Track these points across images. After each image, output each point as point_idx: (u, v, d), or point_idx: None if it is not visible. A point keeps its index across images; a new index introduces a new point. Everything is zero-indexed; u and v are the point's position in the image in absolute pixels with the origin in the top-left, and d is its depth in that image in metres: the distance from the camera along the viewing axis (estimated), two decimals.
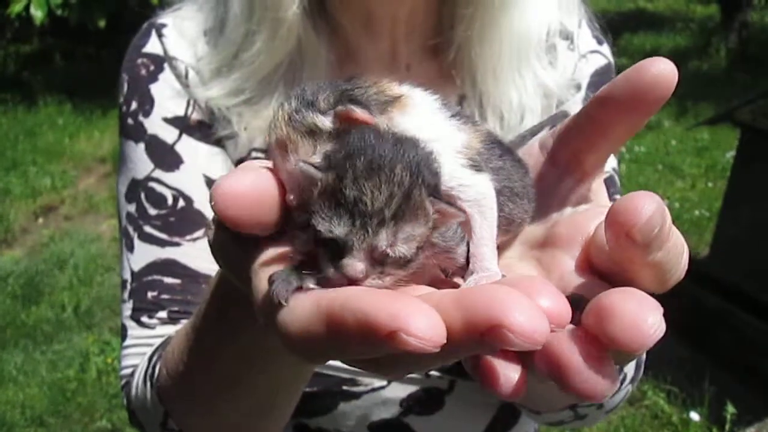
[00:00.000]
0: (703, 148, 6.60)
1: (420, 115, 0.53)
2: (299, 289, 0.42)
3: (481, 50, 1.02)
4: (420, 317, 0.35)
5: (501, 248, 0.55)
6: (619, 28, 9.20)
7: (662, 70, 0.48)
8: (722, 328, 3.60)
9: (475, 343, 0.36)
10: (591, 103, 0.54)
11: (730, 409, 3.14)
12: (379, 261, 0.44)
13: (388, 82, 0.54)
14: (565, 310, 0.39)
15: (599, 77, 1.12)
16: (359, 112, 0.48)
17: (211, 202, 0.47)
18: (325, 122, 0.50)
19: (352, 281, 0.44)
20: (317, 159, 0.48)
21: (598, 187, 0.59)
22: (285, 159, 0.50)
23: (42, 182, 6.05)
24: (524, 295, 0.36)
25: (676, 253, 0.44)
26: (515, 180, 0.56)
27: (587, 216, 0.52)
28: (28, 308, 4.35)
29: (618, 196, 1.12)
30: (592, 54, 1.14)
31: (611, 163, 1.12)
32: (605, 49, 1.16)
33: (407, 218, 0.44)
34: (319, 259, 0.45)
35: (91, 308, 4.33)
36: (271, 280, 0.44)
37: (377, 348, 0.36)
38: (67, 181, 6.16)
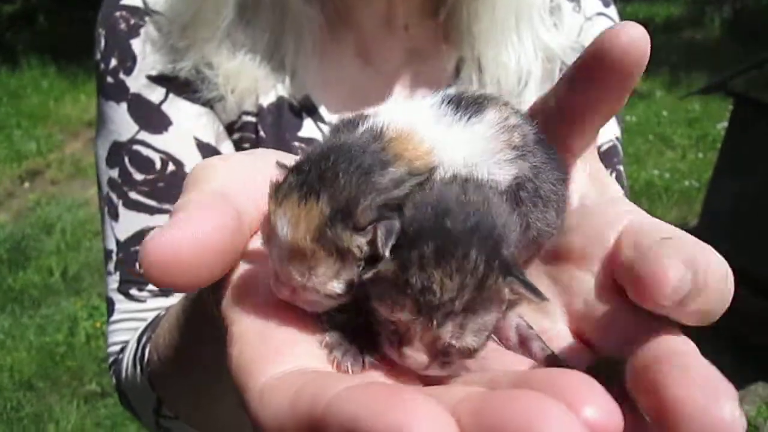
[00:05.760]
0: (694, 119, 6.59)
1: (434, 137, 0.45)
2: None
3: (475, 10, 0.97)
4: (427, 426, 0.28)
5: None
6: None
7: (633, 36, 0.42)
8: None
9: None
10: (559, 86, 0.47)
11: None
12: (443, 352, 0.40)
13: (406, 140, 0.43)
14: (617, 421, 0.31)
15: None
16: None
17: (139, 267, 0.41)
18: (364, 246, 0.40)
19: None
20: (338, 286, 0.40)
21: (597, 169, 0.52)
22: (294, 268, 0.40)
23: (27, 146, 5.96)
24: (563, 406, 0.29)
25: (717, 290, 0.39)
26: (544, 180, 0.47)
27: (601, 220, 0.47)
28: (15, 273, 4.33)
29: (621, 167, 1.09)
30: (598, 16, 1.09)
31: (614, 131, 1.09)
32: (612, 11, 1.11)
33: (479, 308, 0.39)
34: (381, 337, 0.41)
35: (79, 273, 4.32)
36: None
37: None
38: (52, 145, 6.07)
